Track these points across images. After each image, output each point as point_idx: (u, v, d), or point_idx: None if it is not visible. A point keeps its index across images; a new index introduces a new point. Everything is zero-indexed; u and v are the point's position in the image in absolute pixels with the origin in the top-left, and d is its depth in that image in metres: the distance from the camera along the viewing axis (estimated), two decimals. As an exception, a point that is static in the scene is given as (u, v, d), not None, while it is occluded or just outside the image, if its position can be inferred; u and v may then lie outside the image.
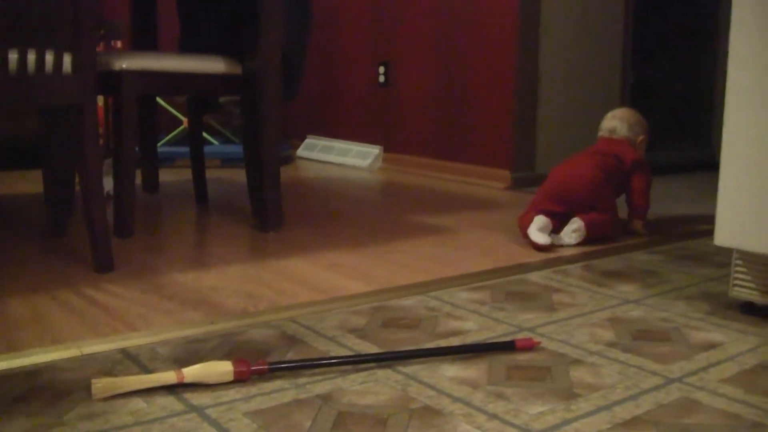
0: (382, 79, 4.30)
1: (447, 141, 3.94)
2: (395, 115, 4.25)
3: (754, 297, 1.71)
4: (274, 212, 2.46)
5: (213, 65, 2.46)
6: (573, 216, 2.45)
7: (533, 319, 1.65)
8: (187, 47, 2.88)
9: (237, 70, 2.51)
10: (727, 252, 2.36)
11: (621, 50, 4.04)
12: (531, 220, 2.41)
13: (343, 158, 4.41)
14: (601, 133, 2.82)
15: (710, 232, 2.66)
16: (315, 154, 4.63)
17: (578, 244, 2.42)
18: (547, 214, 2.44)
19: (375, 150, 4.31)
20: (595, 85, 3.95)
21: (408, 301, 1.75)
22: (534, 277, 2.01)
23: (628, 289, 1.91)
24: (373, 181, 3.83)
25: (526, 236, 2.40)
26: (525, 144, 3.66)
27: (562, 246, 2.42)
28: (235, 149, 4.14)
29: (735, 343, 1.52)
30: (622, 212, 2.62)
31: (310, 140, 4.78)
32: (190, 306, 1.66)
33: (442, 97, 3.95)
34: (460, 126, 3.86)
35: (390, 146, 4.29)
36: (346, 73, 4.57)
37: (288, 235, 2.43)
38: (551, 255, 2.26)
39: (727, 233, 1.71)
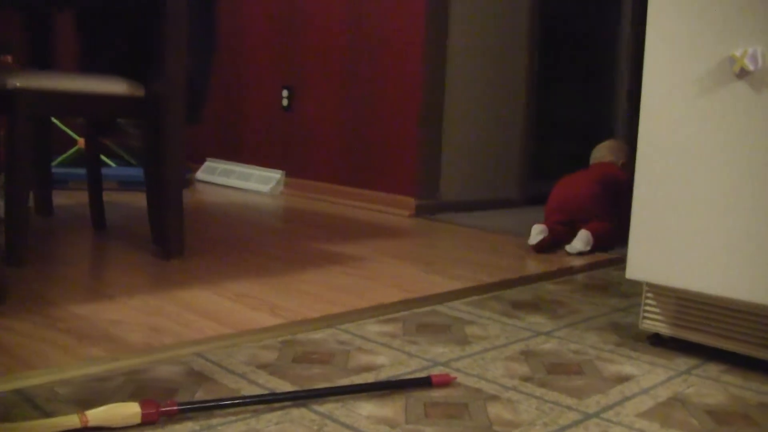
0: (285, 102, 4.25)
1: (351, 167, 3.92)
2: (298, 139, 4.20)
3: (663, 329, 1.73)
4: (175, 239, 2.38)
5: (115, 86, 2.38)
6: (576, 225, 2.96)
7: (447, 352, 1.63)
8: (86, 66, 2.78)
9: (140, 92, 2.43)
10: (631, 282, 2.42)
11: (525, 81, 4.10)
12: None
13: (244, 182, 4.34)
14: (592, 161, 3.37)
15: (612, 262, 2.74)
16: (215, 178, 4.54)
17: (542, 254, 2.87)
18: (552, 224, 2.95)
19: (277, 175, 4.26)
20: (500, 115, 3.99)
21: (318, 335, 1.71)
22: (444, 309, 2.00)
23: (538, 321, 1.91)
24: (275, 207, 3.78)
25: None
26: (430, 172, 3.67)
27: (577, 254, 2.85)
28: (133, 172, 4.03)
29: (647, 375, 1.54)
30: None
31: (209, 163, 4.69)
32: (90, 341, 1.57)
33: (347, 123, 3.93)
34: (365, 152, 3.85)
35: (292, 171, 4.24)
36: (248, 96, 4.51)
37: (190, 263, 2.36)
38: (461, 286, 2.25)
39: (638, 267, 1.73)
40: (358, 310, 1.92)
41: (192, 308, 1.85)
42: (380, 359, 1.56)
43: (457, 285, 2.26)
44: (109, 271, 2.25)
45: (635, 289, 2.35)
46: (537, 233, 2.89)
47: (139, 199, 3.64)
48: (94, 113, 2.55)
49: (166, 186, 2.35)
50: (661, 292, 1.75)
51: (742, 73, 1.57)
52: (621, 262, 2.77)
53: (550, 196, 3.13)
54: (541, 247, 2.89)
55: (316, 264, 2.44)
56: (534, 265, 2.61)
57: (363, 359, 1.56)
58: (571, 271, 2.60)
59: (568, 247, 2.88)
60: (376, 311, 1.93)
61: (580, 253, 2.86)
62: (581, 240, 2.86)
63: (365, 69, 3.82)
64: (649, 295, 1.77)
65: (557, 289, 2.30)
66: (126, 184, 3.97)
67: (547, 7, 4.22)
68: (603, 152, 3.34)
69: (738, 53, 1.56)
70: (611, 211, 3.02)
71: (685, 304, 1.71)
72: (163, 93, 2.33)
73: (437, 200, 3.72)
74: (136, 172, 4.02)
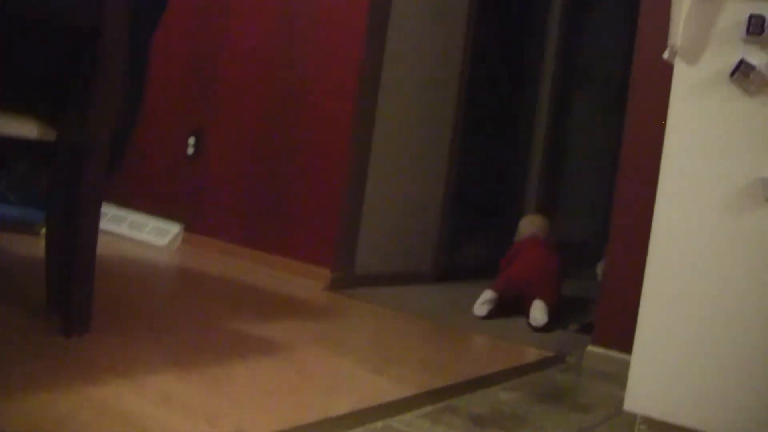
0: (191, 150, 3.91)
1: (260, 228, 3.61)
2: (203, 191, 3.86)
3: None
4: (81, 312, 2.03)
5: (23, 128, 2.01)
6: (527, 296, 3.10)
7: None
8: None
9: (50, 136, 2.08)
10: (584, 392, 2.25)
11: (447, 156, 3.92)
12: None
13: (136, 233, 3.94)
14: (524, 236, 3.53)
15: (552, 361, 2.56)
16: (103, 224, 4.11)
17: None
18: (504, 290, 3.14)
19: (175, 228, 3.89)
20: (420, 185, 3.80)
21: (272, 463, 1.42)
22: (400, 425, 1.75)
23: (513, 450, 1.68)
24: (174, 267, 3.43)
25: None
26: (348, 241, 3.41)
27: (536, 327, 2.97)
28: (12, 211, 3.59)
29: None
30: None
31: (97, 206, 4.26)
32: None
33: (259, 178, 3.63)
34: (277, 213, 3.55)
35: (192, 226, 3.88)
36: (149, 138, 4.12)
37: (95, 343, 2.00)
38: (408, 391, 1.99)
39: (636, 399, 1.55)
40: (310, 424, 1.64)
41: (114, 416, 1.51)
42: (355, 507, 1.29)
43: (403, 390, 2.00)
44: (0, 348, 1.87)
45: (591, 400, 2.17)
46: (483, 302, 3.06)
47: (16, 245, 3.23)
48: (-7, 155, 2.18)
49: (76, 248, 2.00)
50: (658, 427, 1.56)
51: (775, 198, 1.42)
52: (560, 362, 2.59)
53: (511, 265, 3.29)
54: (487, 317, 3.05)
55: (239, 353, 2.13)
56: (476, 363, 2.40)
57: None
58: (517, 372, 2.39)
59: (532, 321, 2.99)
60: (330, 426, 1.65)
61: (544, 326, 2.99)
62: (541, 310, 3.01)
63: (286, 121, 3.55)
64: (642, 428, 1.58)
65: (511, 399, 2.08)
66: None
67: (472, 88, 4.07)
68: (537, 231, 3.55)
69: (771, 177, 1.41)
70: (555, 291, 3.21)
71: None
72: (84, 142, 2.00)
73: (353, 273, 3.46)
74: (15, 212, 3.59)
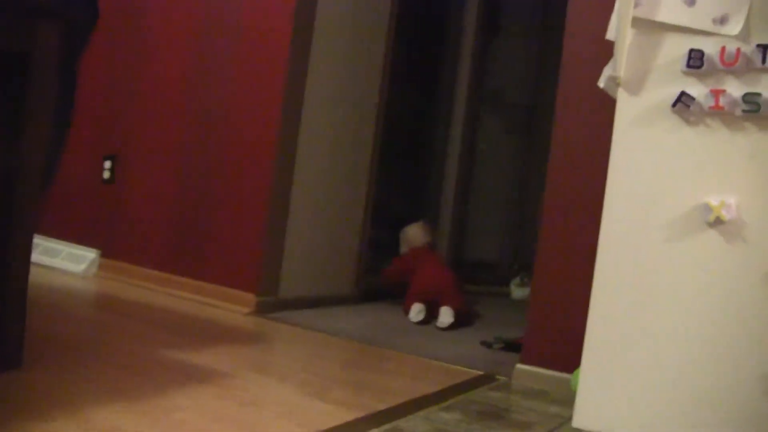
0: (107, 174, 3.83)
1: (181, 253, 3.56)
2: (120, 217, 3.78)
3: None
4: (15, 344, 1.97)
5: (-51, 156, 1.96)
6: (435, 304, 3.56)
7: None
8: None
9: (-23, 164, 2.02)
10: (518, 409, 2.30)
11: (366, 173, 3.96)
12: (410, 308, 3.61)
13: (50, 259, 3.83)
14: (417, 244, 4.00)
15: (483, 380, 2.60)
16: (13, 251, 3.99)
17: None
18: (423, 302, 3.59)
19: (91, 254, 3.80)
20: (340, 207, 3.81)
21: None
22: (353, 450, 1.75)
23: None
24: (95, 294, 3.35)
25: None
26: (272, 266, 3.39)
27: (443, 327, 3.45)
28: None
29: None
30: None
31: (6, 233, 4.13)
32: None
33: (180, 203, 3.58)
34: (199, 238, 3.51)
35: (110, 252, 3.79)
36: (62, 162, 4.01)
37: (33, 376, 1.95)
38: (350, 415, 2.00)
39: (586, 416, 1.59)
40: (263, 454, 1.63)
41: (65, 452, 1.48)
42: None
43: (347, 413, 2.01)
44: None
45: (528, 417, 2.21)
46: (418, 311, 3.56)
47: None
48: None
49: (8, 279, 1.94)
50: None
51: (717, 222, 1.49)
52: (491, 380, 2.64)
53: (413, 280, 3.73)
54: (423, 322, 3.53)
55: (179, 382, 2.10)
56: (412, 384, 2.42)
57: None
58: (452, 391, 2.42)
59: (438, 323, 3.47)
60: (284, 456, 1.65)
61: (450, 325, 3.46)
62: (447, 314, 3.48)
63: (206, 144, 3.52)
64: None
65: (453, 419, 2.11)
66: None
67: (390, 110, 4.13)
68: (429, 238, 4.06)
69: (715, 202, 1.48)
70: (459, 296, 3.65)
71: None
72: (15, 169, 1.95)
73: (276, 297, 3.44)
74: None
